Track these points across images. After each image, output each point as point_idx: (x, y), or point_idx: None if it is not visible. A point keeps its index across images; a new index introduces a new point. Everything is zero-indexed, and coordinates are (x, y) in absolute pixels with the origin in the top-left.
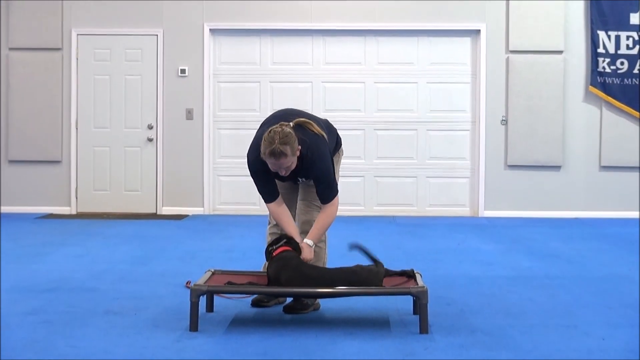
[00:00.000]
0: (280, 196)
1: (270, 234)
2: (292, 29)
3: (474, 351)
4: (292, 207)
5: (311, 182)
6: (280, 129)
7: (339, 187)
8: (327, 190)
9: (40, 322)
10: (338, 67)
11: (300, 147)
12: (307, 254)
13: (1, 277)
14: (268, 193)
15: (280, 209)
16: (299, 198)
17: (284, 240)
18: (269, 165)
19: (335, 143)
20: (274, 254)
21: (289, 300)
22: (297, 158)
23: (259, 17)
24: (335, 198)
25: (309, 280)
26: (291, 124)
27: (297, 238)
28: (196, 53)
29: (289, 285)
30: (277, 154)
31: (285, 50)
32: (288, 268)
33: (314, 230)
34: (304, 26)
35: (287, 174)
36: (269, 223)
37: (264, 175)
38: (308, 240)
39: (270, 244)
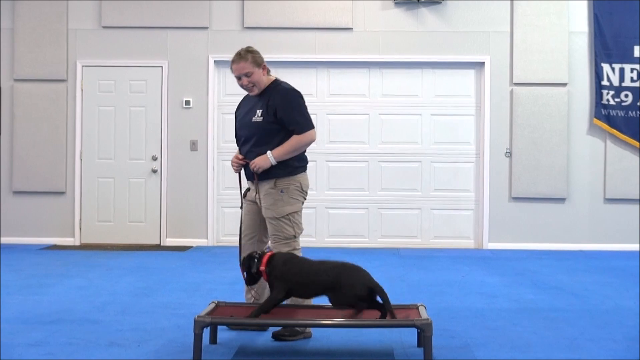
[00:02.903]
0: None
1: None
2: (296, 60)
3: None
4: (262, 234)
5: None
6: None
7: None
8: (301, 126)
9: (43, 354)
10: (342, 99)
11: (267, 72)
12: (258, 160)
13: (4, 308)
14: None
15: None
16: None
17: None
18: (234, 75)
19: (296, 165)
20: (262, 262)
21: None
22: (268, 86)
23: (263, 48)
24: (312, 131)
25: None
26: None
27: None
28: (201, 85)
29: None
30: (237, 58)
31: (289, 81)
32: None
33: (280, 147)
34: (309, 58)
35: (251, 87)
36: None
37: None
38: (269, 152)
39: (251, 259)
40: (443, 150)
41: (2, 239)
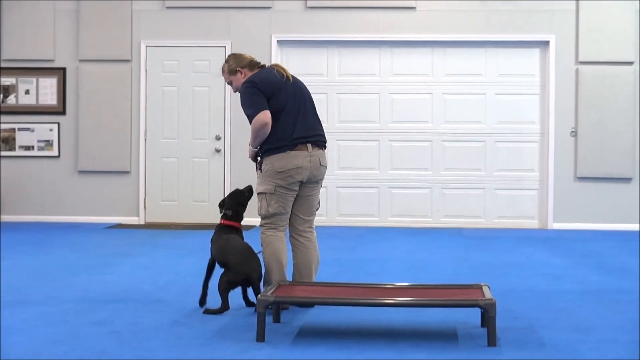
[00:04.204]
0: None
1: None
2: (359, 40)
3: None
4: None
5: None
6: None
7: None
8: (250, 117)
9: (107, 332)
10: (405, 79)
11: (243, 70)
12: (249, 152)
13: (70, 287)
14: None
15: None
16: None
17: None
18: None
19: (266, 147)
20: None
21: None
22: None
23: (325, 28)
24: (257, 115)
25: None
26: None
27: None
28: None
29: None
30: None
31: (352, 61)
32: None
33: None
34: (371, 37)
35: (233, 89)
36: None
37: None
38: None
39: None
40: (507, 130)
41: (68, 217)
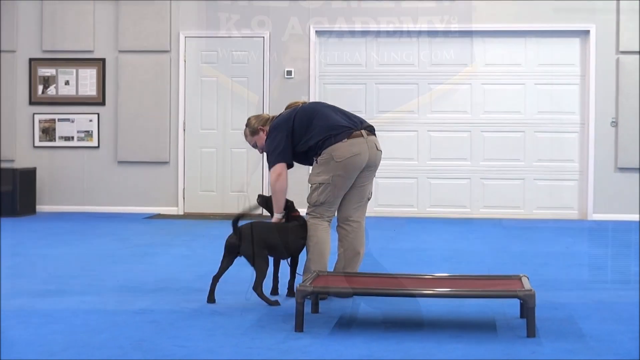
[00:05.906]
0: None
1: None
2: (397, 30)
3: (583, 357)
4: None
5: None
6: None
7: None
8: (269, 162)
9: (147, 321)
10: (444, 69)
11: (264, 128)
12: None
13: (111, 276)
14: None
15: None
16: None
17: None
18: None
19: (320, 143)
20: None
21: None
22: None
23: (363, 19)
24: (275, 166)
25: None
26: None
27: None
28: (302, 55)
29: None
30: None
31: (391, 51)
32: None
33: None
34: (410, 28)
35: (259, 150)
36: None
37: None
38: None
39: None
40: (546, 120)
41: (107, 208)
